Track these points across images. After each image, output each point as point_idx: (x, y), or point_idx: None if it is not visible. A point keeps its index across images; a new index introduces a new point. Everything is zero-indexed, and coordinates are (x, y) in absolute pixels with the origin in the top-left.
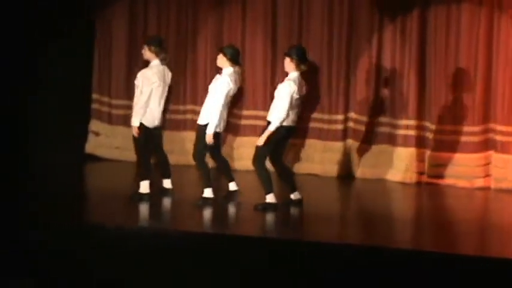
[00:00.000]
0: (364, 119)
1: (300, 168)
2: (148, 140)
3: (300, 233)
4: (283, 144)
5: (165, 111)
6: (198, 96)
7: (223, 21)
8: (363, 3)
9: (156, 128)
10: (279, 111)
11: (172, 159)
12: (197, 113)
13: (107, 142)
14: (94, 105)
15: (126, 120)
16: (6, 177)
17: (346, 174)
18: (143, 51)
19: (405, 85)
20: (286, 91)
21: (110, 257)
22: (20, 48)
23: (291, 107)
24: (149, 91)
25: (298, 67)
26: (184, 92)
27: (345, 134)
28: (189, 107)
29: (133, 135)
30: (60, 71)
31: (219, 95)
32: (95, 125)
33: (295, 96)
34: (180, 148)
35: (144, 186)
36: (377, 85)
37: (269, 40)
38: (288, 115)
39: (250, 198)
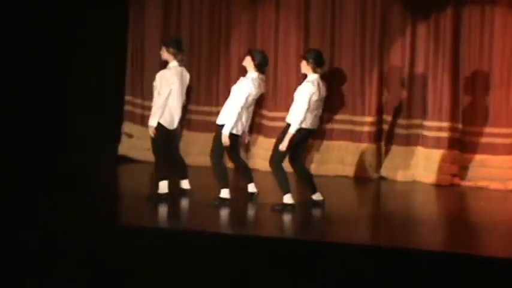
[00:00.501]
0: (396, 120)
1: (330, 170)
2: (166, 140)
3: (323, 234)
4: (302, 146)
5: (184, 112)
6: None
7: (256, 19)
8: (396, 3)
9: (174, 129)
10: (298, 113)
11: (201, 160)
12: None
13: (139, 144)
14: (127, 107)
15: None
16: (44, 179)
17: (377, 176)
18: (161, 52)
19: (438, 86)
20: (305, 93)
21: (140, 257)
22: (53, 49)
23: (310, 109)
24: (167, 92)
25: (314, 70)
26: (216, 93)
27: (376, 136)
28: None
29: (151, 136)
30: (93, 73)
31: (240, 97)
32: (127, 126)
33: (314, 98)
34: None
35: (163, 187)
36: (409, 86)
37: (302, 40)
38: (306, 117)
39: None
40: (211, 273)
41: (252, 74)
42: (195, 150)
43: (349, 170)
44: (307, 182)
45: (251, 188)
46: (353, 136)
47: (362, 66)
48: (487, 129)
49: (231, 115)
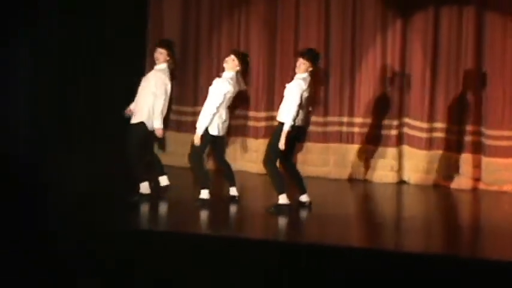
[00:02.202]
0: (419, 124)
1: (353, 173)
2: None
3: (343, 239)
4: (293, 144)
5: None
6: (251, 100)
7: (276, 20)
8: (418, 8)
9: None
10: (290, 110)
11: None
12: (250, 118)
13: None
14: None
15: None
16: (83, 182)
17: (399, 181)
18: (159, 55)
19: (461, 90)
20: (297, 89)
21: (178, 262)
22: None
23: (301, 105)
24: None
25: (308, 68)
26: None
27: (398, 140)
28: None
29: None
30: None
31: (216, 96)
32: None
33: (305, 94)
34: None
35: (144, 188)
36: (431, 90)
37: (322, 44)
38: (298, 114)
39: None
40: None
41: (229, 73)
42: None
43: (371, 174)
44: (297, 182)
45: (233, 191)
46: (374, 140)
47: (383, 71)
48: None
49: (204, 116)
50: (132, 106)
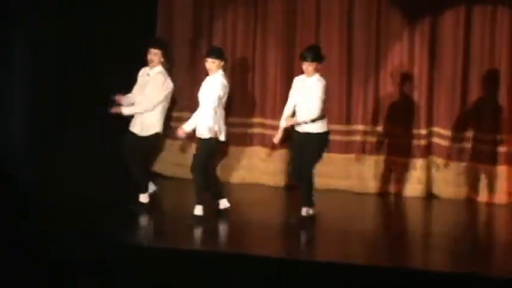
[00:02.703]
0: (449, 133)
1: (377, 186)
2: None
3: (365, 257)
4: None
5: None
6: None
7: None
8: (447, 13)
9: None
10: (318, 105)
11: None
12: (265, 126)
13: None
14: None
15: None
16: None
17: (427, 194)
18: (154, 56)
19: (495, 96)
20: (322, 86)
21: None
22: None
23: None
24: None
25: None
26: (252, 103)
27: (426, 150)
28: (256, 120)
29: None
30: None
31: (213, 97)
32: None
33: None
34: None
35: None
36: (462, 97)
37: (344, 51)
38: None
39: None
40: None
41: (219, 73)
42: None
43: (397, 187)
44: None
45: (223, 203)
46: (402, 150)
47: (411, 78)
48: None
49: (207, 117)
50: (124, 98)
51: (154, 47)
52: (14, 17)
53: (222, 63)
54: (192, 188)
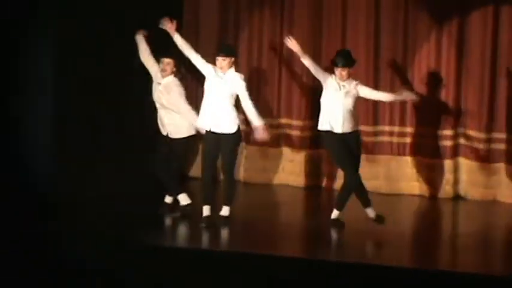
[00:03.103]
0: (476, 134)
1: (404, 187)
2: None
3: (395, 258)
4: None
5: None
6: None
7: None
8: (475, 13)
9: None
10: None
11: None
12: (293, 127)
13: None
14: None
15: None
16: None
17: (455, 196)
18: (167, 67)
19: None
20: None
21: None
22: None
23: None
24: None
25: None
26: (278, 104)
27: (454, 151)
28: (283, 120)
29: None
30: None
31: (245, 93)
32: None
33: None
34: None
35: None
36: (490, 97)
37: (371, 55)
38: None
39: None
40: None
41: (232, 70)
42: None
43: (423, 188)
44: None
45: (225, 210)
46: (427, 151)
47: (437, 76)
48: None
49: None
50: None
51: (167, 57)
52: (42, 26)
53: (233, 60)
54: (220, 189)
